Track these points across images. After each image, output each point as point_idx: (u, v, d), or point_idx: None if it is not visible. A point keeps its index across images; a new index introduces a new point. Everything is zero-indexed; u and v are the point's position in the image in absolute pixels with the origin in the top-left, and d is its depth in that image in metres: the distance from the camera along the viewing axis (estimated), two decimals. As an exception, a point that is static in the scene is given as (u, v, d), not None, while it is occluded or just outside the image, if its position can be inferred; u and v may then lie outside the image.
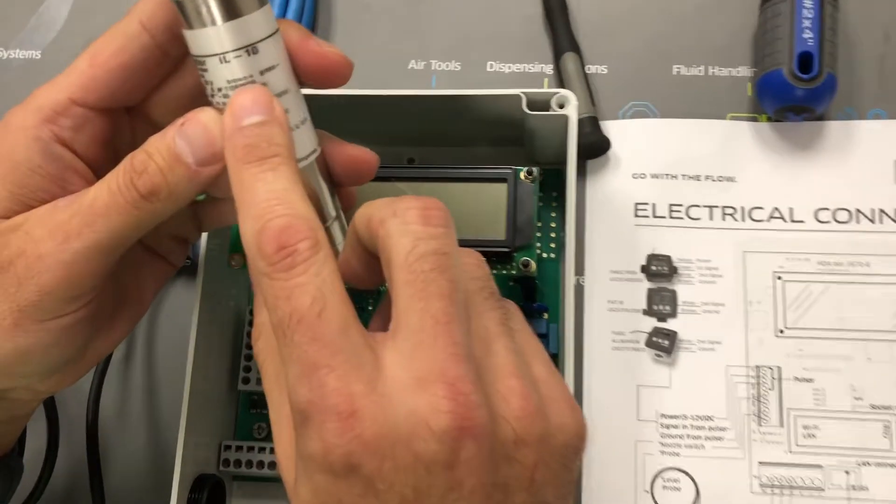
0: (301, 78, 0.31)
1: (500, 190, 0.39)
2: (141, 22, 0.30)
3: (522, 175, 0.39)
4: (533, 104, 0.41)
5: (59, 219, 0.29)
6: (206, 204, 0.36)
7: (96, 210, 0.29)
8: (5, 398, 0.33)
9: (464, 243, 0.38)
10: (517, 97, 0.41)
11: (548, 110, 0.41)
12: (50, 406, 0.44)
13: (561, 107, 0.41)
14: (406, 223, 0.27)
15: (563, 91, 0.41)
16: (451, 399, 0.25)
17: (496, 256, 0.39)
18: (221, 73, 0.29)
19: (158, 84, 0.32)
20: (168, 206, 0.30)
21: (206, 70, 0.29)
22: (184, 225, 0.36)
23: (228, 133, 0.28)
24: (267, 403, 0.29)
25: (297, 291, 0.26)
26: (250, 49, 0.28)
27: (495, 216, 0.38)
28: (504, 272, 0.39)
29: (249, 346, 0.43)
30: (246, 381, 0.43)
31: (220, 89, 0.29)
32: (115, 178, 0.29)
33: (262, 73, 0.29)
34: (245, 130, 0.28)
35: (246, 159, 0.28)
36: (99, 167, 0.31)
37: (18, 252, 0.29)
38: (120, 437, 0.46)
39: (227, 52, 0.28)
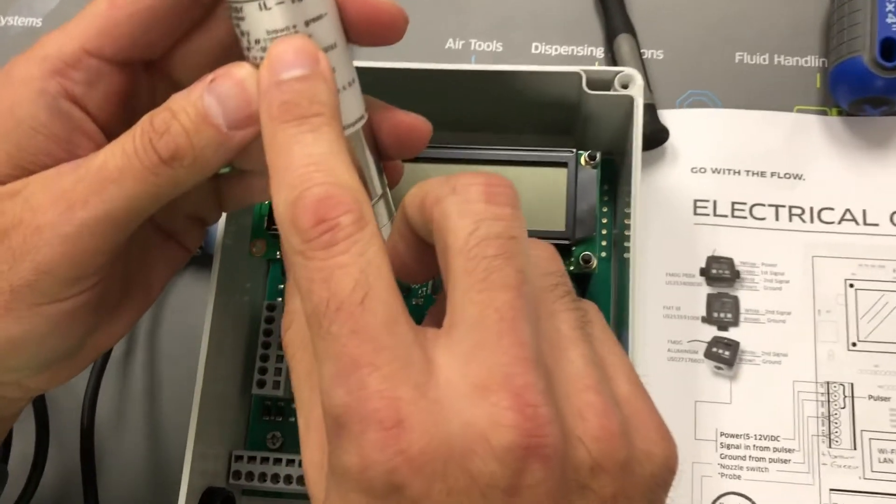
0: (348, 32, 0.26)
1: (560, 176, 0.34)
2: None
3: (583, 160, 0.35)
4: (592, 83, 0.37)
5: (64, 184, 0.25)
6: (230, 178, 0.31)
7: (107, 175, 0.25)
8: None
9: (518, 234, 0.34)
10: (576, 75, 0.37)
11: (609, 90, 0.37)
12: (40, 406, 0.40)
13: (625, 87, 0.37)
14: (467, 201, 0.23)
15: (627, 70, 0.37)
16: (517, 411, 0.21)
17: (553, 250, 0.34)
18: (260, 22, 0.24)
19: (183, 36, 0.28)
20: (191, 175, 0.26)
21: (241, 18, 0.25)
22: (203, 202, 0.31)
23: (264, 88, 0.24)
24: (295, 404, 0.25)
25: (337, 274, 0.22)
26: None
27: (554, 205, 0.34)
28: (561, 268, 0.34)
29: (266, 346, 0.39)
30: (261, 384, 0.39)
31: (257, 41, 0.25)
32: (132, 139, 0.25)
33: (307, 23, 0.25)
34: (283, 85, 0.24)
35: (283, 118, 0.24)
36: (112, 130, 0.27)
37: (14, 222, 0.25)
38: (117, 443, 0.42)
39: None
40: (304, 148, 0.23)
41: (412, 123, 0.29)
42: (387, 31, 0.27)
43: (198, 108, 0.25)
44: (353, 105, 0.27)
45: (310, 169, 0.23)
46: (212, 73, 0.25)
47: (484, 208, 0.23)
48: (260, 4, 0.24)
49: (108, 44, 0.26)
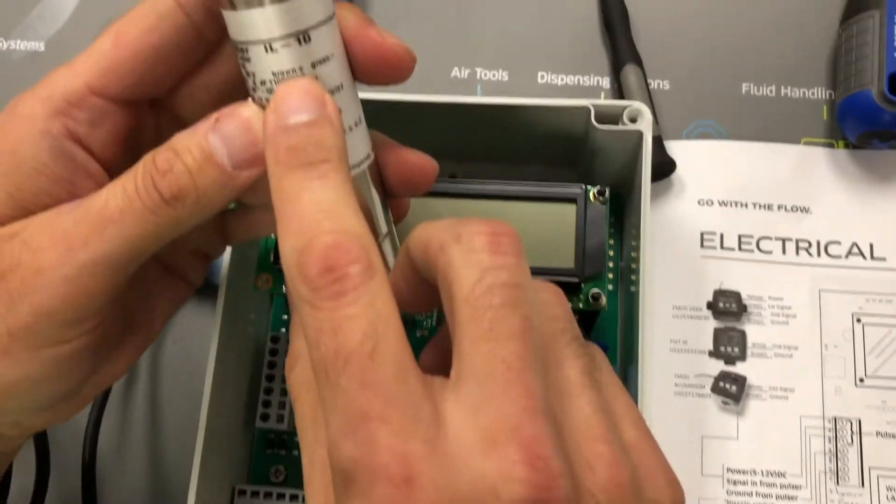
0: (356, 72, 0.26)
1: (569, 211, 0.34)
2: None
3: (592, 196, 0.34)
4: (601, 117, 0.36)
5: (65, 225, 0.25)
6: (235, 212, 0.31)
7: (108, 215, 0.24)
8: None
9: (525, 271, 0.34)
10: (584, 109, 0.36)
11: (617, 124, 0.37)
12: (40, 439, 0.39)
13: (633, 121, 0.36)
14: (472, 251, 0.23)
15: (635, 103, 0.36)
16: (528, 464, 0.20)
17: (561, 287, 0.34)
18: (266, 64, 0.24)
19: (188, 74, 0.27)
20: (194, 215, 0.25)
21: (247, 59, 0.24)
22: (208, 237, 0.31)
23: (270, 132, 0.24)
24: (300, 445, 0.25)
25: (346, 325, 0.21)
26: (302, 36, 0.24)
27: (562, 241, 0.34)
28: (569, 305, 0.34)
29: (270, 378, 0.39)
30: (265, 417, 0.38)
31: (263, 82, 0.24)
32: (133, 179, 0.25)
33: (313, 64, 0.24)
34: (291, 130, 0.23)
35: (290, 163, 0.23)
36: (116, 169, 0.26)
37: (12, 264, 0.24)
38: (119, 476, 0.41)
39: (274, 39, 0.24)
40: (312, 195, 0.23)
41: (418, 163, 0.29)
42: (394, 72, 0.26)
43: (202, 147, 0.25)
44: (360, 144, 0.27)
45: (318, 216, 0.22)
46: (217, 113, 0.25)
47: (489, 258, 0.23)
48: (266, 46, 0.24)
49: (113, 83, 0.25)
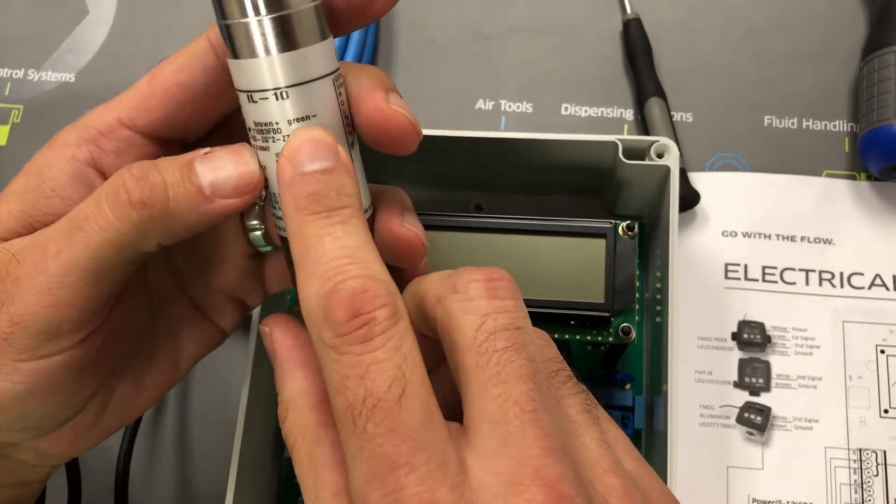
0: (359, 135, 0.26)
1: (598, 246, 0.34)
2: (209, 39, 0.26)
3: (621, 230, 0.35)
4: (628, 152, 0.37)
5: (45, 235, 0.25)
6: (273, 257, 0.31)
7: (77, 223, 0.25)
8: (9, 458, 0.29)
9: (556, 305, 0.34)
10: (612, 144, 0.37)
11: (643, 160, 0.37)
12: (72, 466, 0.40)
13: (660, 156, 0.37)
14: (469, 298, 0.23)
15: (662, 139, 0.37)
16: None
17: (591, 321, 0.34)
18: (249, 113, 0.25)
19: (222, 120, 0.28)
20: (159, 226, 0.25)
21: (240, 105, 0.25)
22: (243, 281, 0.31)
23: (287, 179, 0.24)
24: (302, 492, 0.25)
25: (374, 370, 0.21)
26: (280, 93, 0.24)
27: (592, 275, 0.34)
28: (599, 339, 0.35)
29: (299, 408, 0.39)
30: (294, 446, 0.38)
31: (249, 129, 0.25)
32: (104, 185, 0.25)
33: (289, 122, 0.24)
34: (309, 177, 0.24)
35: (311, 209, 0.23)
36: None
37: (2, 275, 0.25)
38: (148, 502, 0.42)
39: (255, 91, 0.24)
40: (335, 240, 0.23)
41: (406, 239, 0.28)
42: (394, 143, 0.26)
43: (184, 163, 0.25)
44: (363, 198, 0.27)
45: (343, 261, 0.23)
46: (208, 148, 0.26)
47: (487, 304, 0.23)
48: (248, 96, 0.24)
49: (142, 115, 0.26)
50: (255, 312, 0.36)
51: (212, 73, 0.26)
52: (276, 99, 0.24)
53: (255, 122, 0.25)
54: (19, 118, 0.49)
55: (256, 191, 0.25)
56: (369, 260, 0.23)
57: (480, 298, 0.23)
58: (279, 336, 0.27)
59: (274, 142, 0.25)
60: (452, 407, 0.23)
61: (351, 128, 0.26)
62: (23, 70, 0.50)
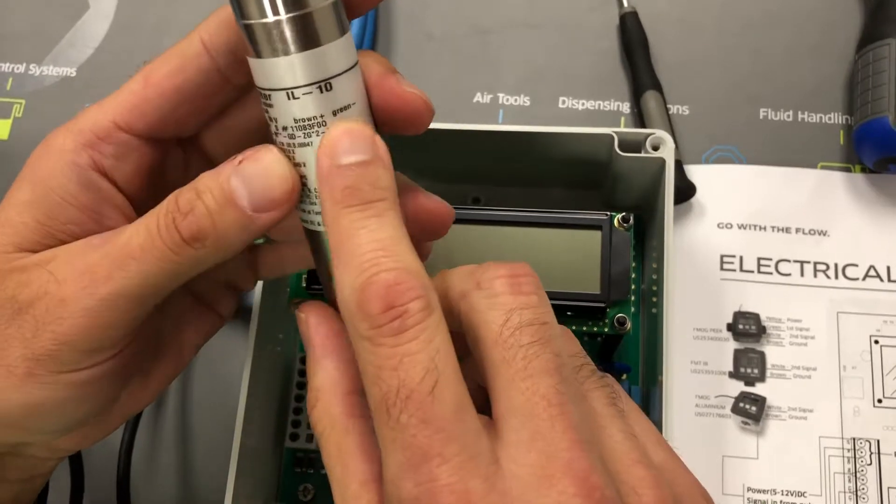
0: (375, 120, 0.26)
1: (594, 238, 0.35)
2: (202, 41, 0.26)
3: (616, 222, 0.35)
4: (624, 145, 0.37)
5: (89, 259, 0.25)
6: (265, 249, 0.32)
7: (129, 252, 0.25)
8: (20, 455, 0.30)
9: (553, 296, 0.35)
10: (608, 136, 0.37)
11: (639, 152, 0.37)
12: (75, 460, 0.40)
13: (655, 149, 0.37)
14: (494, 294, 0.24)
15: (657, 132, 0.37)
16: (584, 497, 0.21)
17: (587, 312, 0.35)
18: (288, 110, 0.24)
19: (218, 114, 0.28)
20: (213, 255, 0.26)
21: (270, 105, 0.25)
22: (238, 271, 0.32)
23: (324, 172, 0.24)
24: (330, 482, 0.25)
25: (406, 361, 0.22)
26: (324, 85, 0.24)
27: (588, 267, 0.35)
28: (595, 329, 0.35)
29: (299, 399, 0.40)
30: (294, 437, 0.39)
31: (285, 128, 0.25)
32: (156, 218, 0.25)
33: (334, 112, 0.24)
34: (346, 170, 0.24)
35: (347, 202, 0.24)
36: (142, 203, 0.27)
37: (40, 293, 0.25)
38: (151, 494, 0.42)
39: (297, 87, 0.24)
40: (370, 233, 0.23)
41: (434, 210, 0.28)
42: (411, 123, 0.27)
43: (224, 189, 0.25)
44: None
45: (378, 254, 0.23)
46: (241, 154, 0.25)
47: (512, 299, 0.24)
48: (289, 94, 0.24)
49: (139, 119, 0.26)
50: (256, 304, 0.37)
51: (206, 75, 0.26)
52: (321, 91, 0.24)
53: (294, 119, 0.24)
54: (21, 113, 0.50)
55: (295, 196, 0.25)
56: (403, 252, 0.23)
57: (505, 294, 0.24)
58: (314, 322, 0.27)
59: (318, 135, 0.24)
60: (477, 400, 0.24)
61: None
62: (24, 65, 0.51)
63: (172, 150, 0.28)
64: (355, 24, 0.47)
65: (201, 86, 0.26)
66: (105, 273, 0.25)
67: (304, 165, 0.25)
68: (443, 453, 0.21)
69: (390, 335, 0.22)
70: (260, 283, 0.37)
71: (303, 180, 0.25)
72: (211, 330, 0.32)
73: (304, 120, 0.24)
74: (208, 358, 0.44)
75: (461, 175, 0.43)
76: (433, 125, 0.38)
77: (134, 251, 0.25)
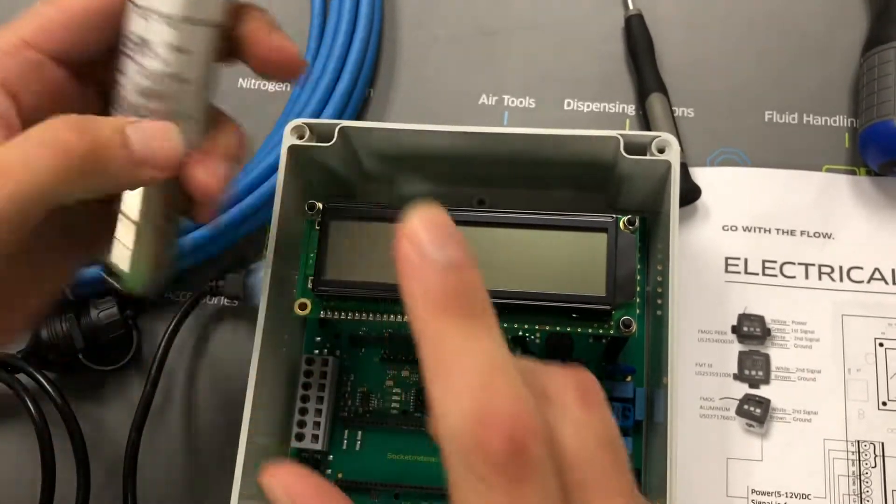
0: (253, 67, 0.30)
1: (599, 240, 0.35)
2: None
3: (622, 224, 0.35)
4: (629, 147, 0.37)
5: None
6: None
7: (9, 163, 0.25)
8: None
9: (558, 299, 0.35)
10: (614, 139, 0.37)
11: (645, 155, 0.38)
12: (82, 458, 0.40)
13: (661, 151, 0.37)
14: (564, 406, 0.22)
15: (663, 135, 0.37)
16: None
17: (592, 314, 0.35)
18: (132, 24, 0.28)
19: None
20: (89, 181, 0.26)
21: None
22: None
23: (415, 268, 0.22)
24: None
25: None
26: (178, 20, 0.27)
27: (593, 269, 0.35)
28: (600, 331, 0.35)
29: (304, 399, 0.40)
30: (300, 437, 0.39)
31: (128, 36, 0.28)
32: (35, 133, 0.26)
33: (173, 48, 0.28)
34: (445, 272, 0.21)
35: (450, 310, 0.21)
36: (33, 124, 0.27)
37: None
38: (155, 494, 0.42)
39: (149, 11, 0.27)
40: (482, 351, 0.21)
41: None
42: (289, 74, 0.30)
43: (119, 128, 0.27)
44: (195, 136, 0.30)
45: (493, 377, 0.21)
46: (135, 118, 0.28)
47: (584, 417, 0.22)
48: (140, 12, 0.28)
49: (47, 38, 0.29)
50: (262, 305, 0.37)
51: (116, 3, 0.29)
52: (167, 24, 0.27)
53: (131, 31, 0.28)
54: None
55: (176, 167, 0.28)
56: (516, 377, 0.21)
57: (575, 407, 0.23)
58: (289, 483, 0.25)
59: (143, 56, 0.28)
60: None
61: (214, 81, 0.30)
62: None
63: (73, 80, 0.30)
64: (360, 27, 0.47)
65: (107, 10, 0.29)
66: None
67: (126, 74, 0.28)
68: None
69: (511, 480, 0.20)
70: (266, 284, 0.37)
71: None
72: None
73: (137, 37, 0.28)
74: (214, 358, 0.45)
75: (466, 177, 0.43)
76: (439, 127, 0.38)
77: (3, 168, 0.25)
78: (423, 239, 0.22)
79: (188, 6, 0.27)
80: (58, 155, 0.25)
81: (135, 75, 0.28)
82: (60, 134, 0.26)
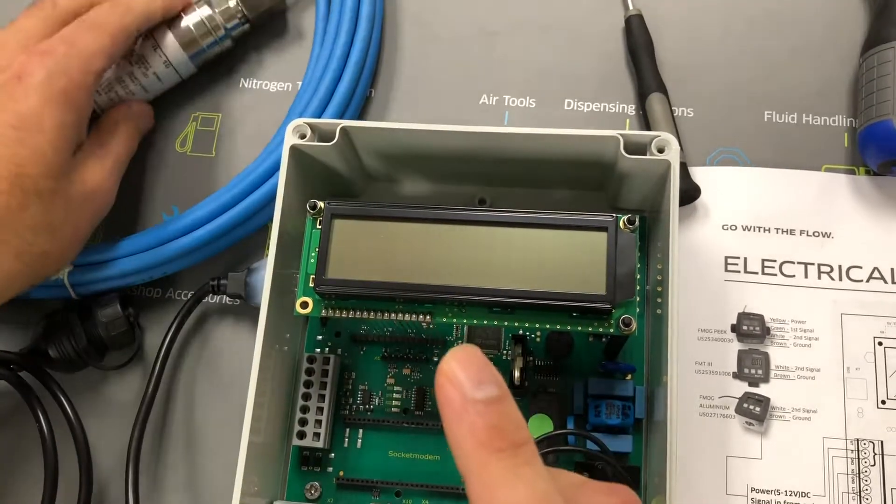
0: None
1: (599, 239, 0.35)
2: None
3: (622, 224, 0.36)
4: (629, 147, 0.38)
5: None
6: None
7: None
8: None
9: (558, 297, 0.35)
10: (614, 139, 0.38)
11: (645, 154, 0.38)
12: (84, 457, 0.40)
13: (661, 151, 0.37)
14: None
15: (663, 135, 0.37)
16: None
17: (592, 313, 0.35)
18: None
19: None
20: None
21: None
22: None
23: (458, 408, 0.23)
24: None
25: None
26: None
27: (593, 268, 0.35)
28: (600, 330, 0.35)
29: (305, 397, 0.40)
30: (301, 435, 0.39)
31: None
32: None
33: None
34: (487, 409, 0.22)
35: (494, 446, 0.22)
36: None
37: None
38: (158, 492, 0.42)
39: None
40: (528, 485, 0.22)
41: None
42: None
43: None
44: None
45: None
46: None
47: None
48: None
49: None
50: (263, 304, 0.37)
51: None
52: None
53: None
54: None
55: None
56: None
57: None
58: None
59: None
60: None
61: None
62: None
63: None
64: (362, 27, 0.47)
65: None
66: None
67: None
68: None
69: None
70: (267, 283, 0.37)
71: None
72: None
73: None
74: (216, 357, 0.45)
75: (467, 176, 0.44)
76: (439, 127, 0.38)
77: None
78: (461, 379, 0.22)
79: None
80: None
81: None
82: None
